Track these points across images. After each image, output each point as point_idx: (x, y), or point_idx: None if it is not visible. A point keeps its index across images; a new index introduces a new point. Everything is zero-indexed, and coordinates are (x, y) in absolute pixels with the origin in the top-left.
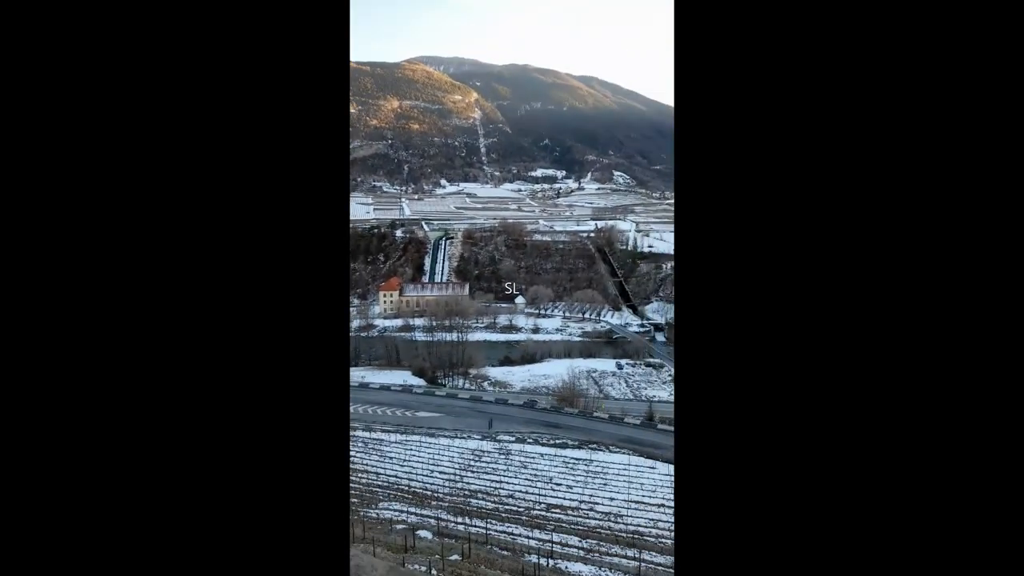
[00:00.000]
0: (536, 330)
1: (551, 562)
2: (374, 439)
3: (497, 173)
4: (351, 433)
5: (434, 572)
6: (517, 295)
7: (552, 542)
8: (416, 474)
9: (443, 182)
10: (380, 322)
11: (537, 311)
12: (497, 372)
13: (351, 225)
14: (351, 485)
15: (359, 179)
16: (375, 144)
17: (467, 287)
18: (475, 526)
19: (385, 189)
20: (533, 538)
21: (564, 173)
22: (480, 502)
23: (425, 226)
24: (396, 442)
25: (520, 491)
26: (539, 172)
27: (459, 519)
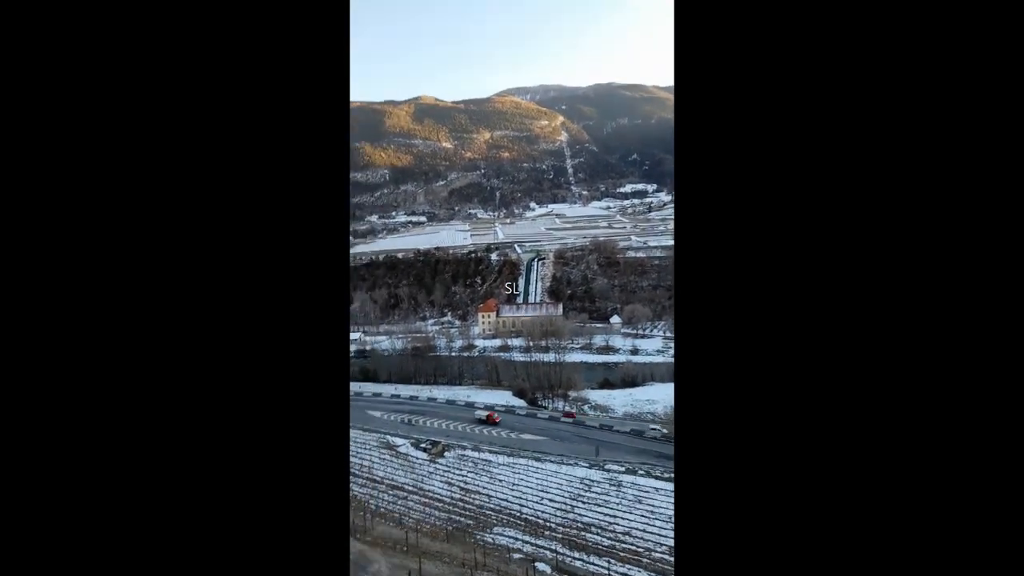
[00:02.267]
0: (635, 351)
1: None
2: (483, 460)
3: (585, 192)
4: (462, 452)
5: None
6: (612, 315)
7: None
8: (526, 500)
9: (532, 205)
10: (480, 342)
11: (635, 331)
12: (597, 395)
13: (451, 251)
14: (466, 505)
15: (456, 208)
16: (469, 175)
17: (560, 307)
18: (593, 564)
19: (480, 215)
20: None
21: (655, 186)
22: (595, 537)
23: (518, 248)
24: (504, 464)
25: (637, 528)
26: (628, 188)
27: (576, 554)
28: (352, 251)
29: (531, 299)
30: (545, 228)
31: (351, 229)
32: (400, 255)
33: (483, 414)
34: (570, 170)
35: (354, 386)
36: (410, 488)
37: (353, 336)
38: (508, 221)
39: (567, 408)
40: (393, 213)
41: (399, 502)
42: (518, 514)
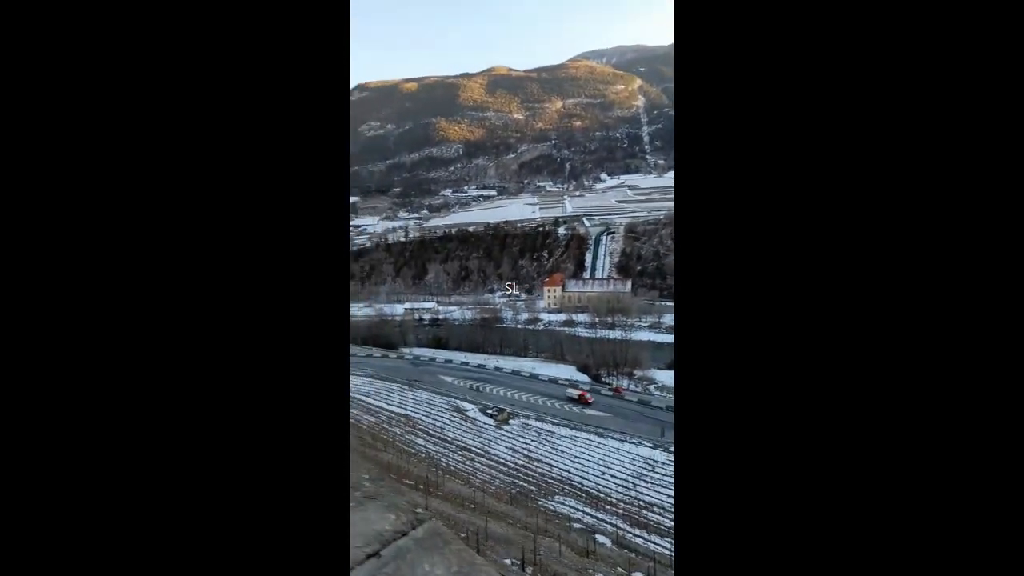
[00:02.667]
0: None
1: None
2: (545, 430)
3: (661, 161)
4: (526, 421)
5: None
6: None
7: None
8: (588, 473)
9: (603, 176)
10: (545, 316)
11: None
12: (665, 376)
13: (519, 224)
14: (527, 471)
15: (525, 181)
16: (540, 146)
17: (629, 284)
18: (655, 543)
19: (548, 188)
20: None
21: None
22: (657, 517)
23: (586, 222)
24: (566, 436)
25: None
26: None
27: (637, 531)
28: (427, 224)
29: (598, 274)
30: (616, 200)
31: (426, 204)
32: (471, 228)
33: (575, 392)
34: (646, 138)
35: (428, 352)
36: (477, 450)
37: (427, 305)
38: (577, 193)
39: (620, 384)
40: (465, 187)
41: (467, 463)
42: (579, 486)
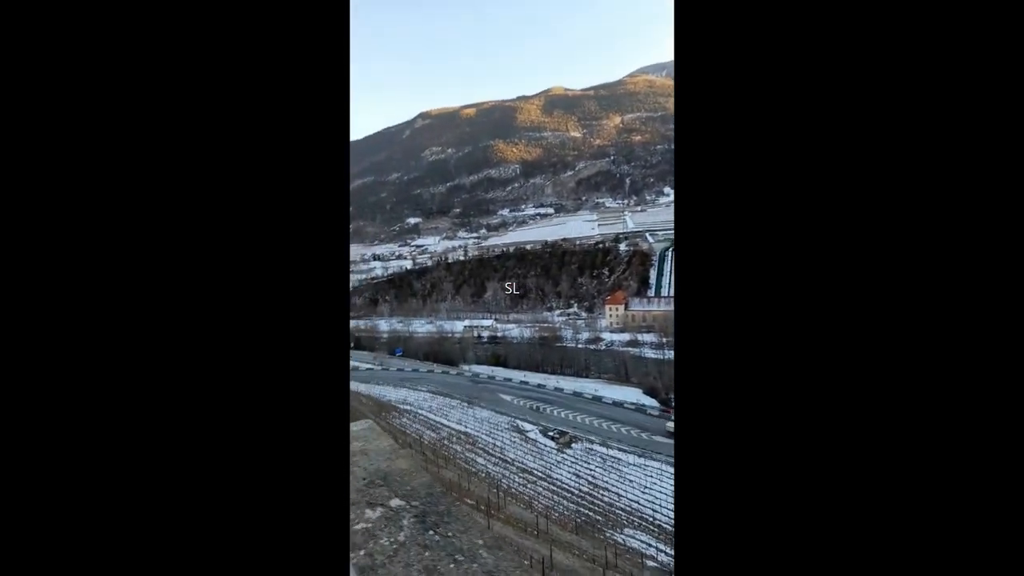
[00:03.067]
0: None
1: None
2: (611, 456)
3: None
4: (589, 446)
5: None
6: None
7: None
8: (660, 505)
9: (666, 190)
10: (607, 335)
11: None
12: None
13: (578, 242)
14: (594, 500)
15: (583, 198)
16: (598, 163)
17: None
18: None
19: (608, 204)
20: None
21: None
22: None
23: (649, 238)
24: (634, 464)
25: None
26: None
27: None
28: (485, 244)
29: (664, 291)
30: None
31: (484, 223)
32: (528, 247)
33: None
34: None
35: (487, 370)
36: (539, 473)
37: (486, 322)
38: (639, 208)
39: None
40: (523, 206)
41: (529, 486)
42: (650, 519)
